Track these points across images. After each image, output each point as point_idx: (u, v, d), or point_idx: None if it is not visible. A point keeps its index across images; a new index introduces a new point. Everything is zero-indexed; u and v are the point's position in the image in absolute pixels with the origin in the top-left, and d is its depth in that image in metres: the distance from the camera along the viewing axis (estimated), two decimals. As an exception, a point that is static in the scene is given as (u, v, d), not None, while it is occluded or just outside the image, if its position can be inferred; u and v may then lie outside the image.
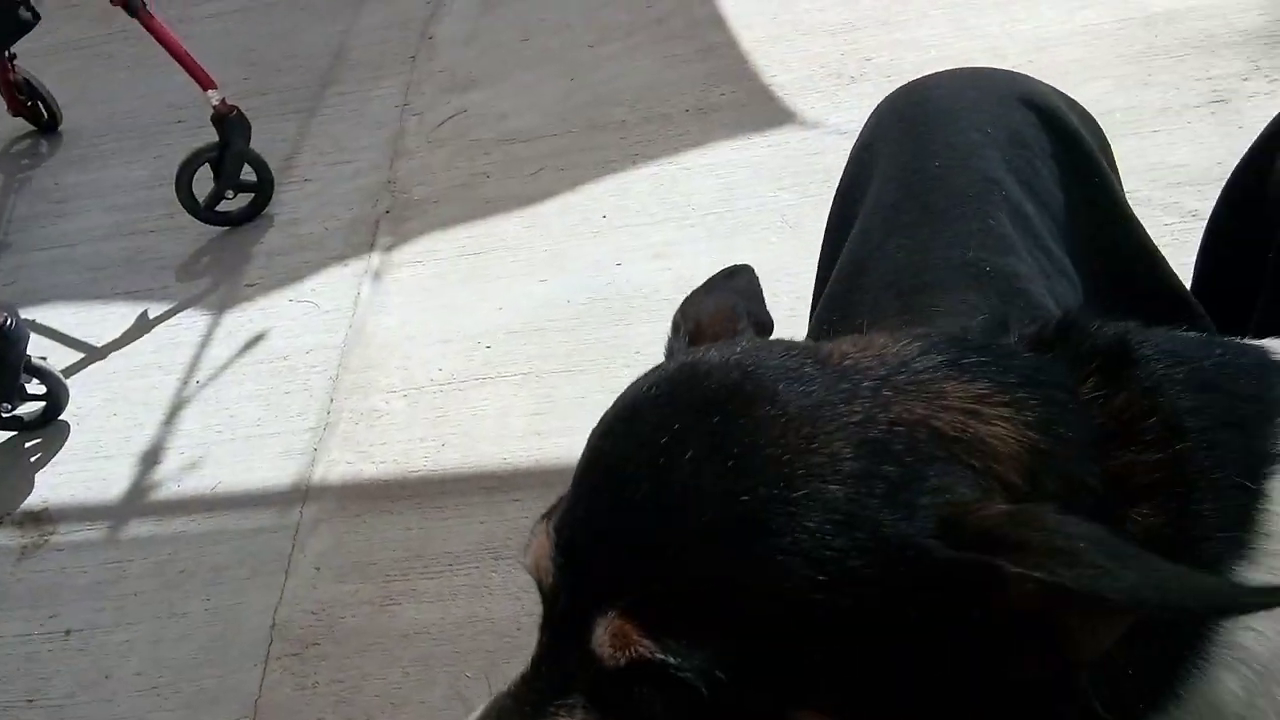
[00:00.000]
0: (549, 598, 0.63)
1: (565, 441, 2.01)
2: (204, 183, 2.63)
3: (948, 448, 0.58)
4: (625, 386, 0.70)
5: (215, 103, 2.54)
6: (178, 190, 2.61)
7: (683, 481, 0.57)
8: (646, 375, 0.67)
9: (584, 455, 0.66)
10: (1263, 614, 0.58)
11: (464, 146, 2.78)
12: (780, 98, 2.65)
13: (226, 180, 2.63)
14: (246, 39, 3.34)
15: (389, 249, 2.55)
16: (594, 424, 0.69)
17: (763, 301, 0.86)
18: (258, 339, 2.42)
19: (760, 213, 2.38)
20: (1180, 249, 1.96)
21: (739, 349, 0.65)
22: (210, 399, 2.32)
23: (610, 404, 0.69)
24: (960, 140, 1.01)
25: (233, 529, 2.05)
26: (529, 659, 0.64)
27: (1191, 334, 0.73)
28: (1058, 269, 0.97)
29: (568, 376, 2.14)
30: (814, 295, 1.20)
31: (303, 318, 2.44)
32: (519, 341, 2.25)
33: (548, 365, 2.18)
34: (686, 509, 0.57)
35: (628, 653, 0.56)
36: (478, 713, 0.64)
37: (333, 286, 2.50)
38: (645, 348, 2.14)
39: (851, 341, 0.66)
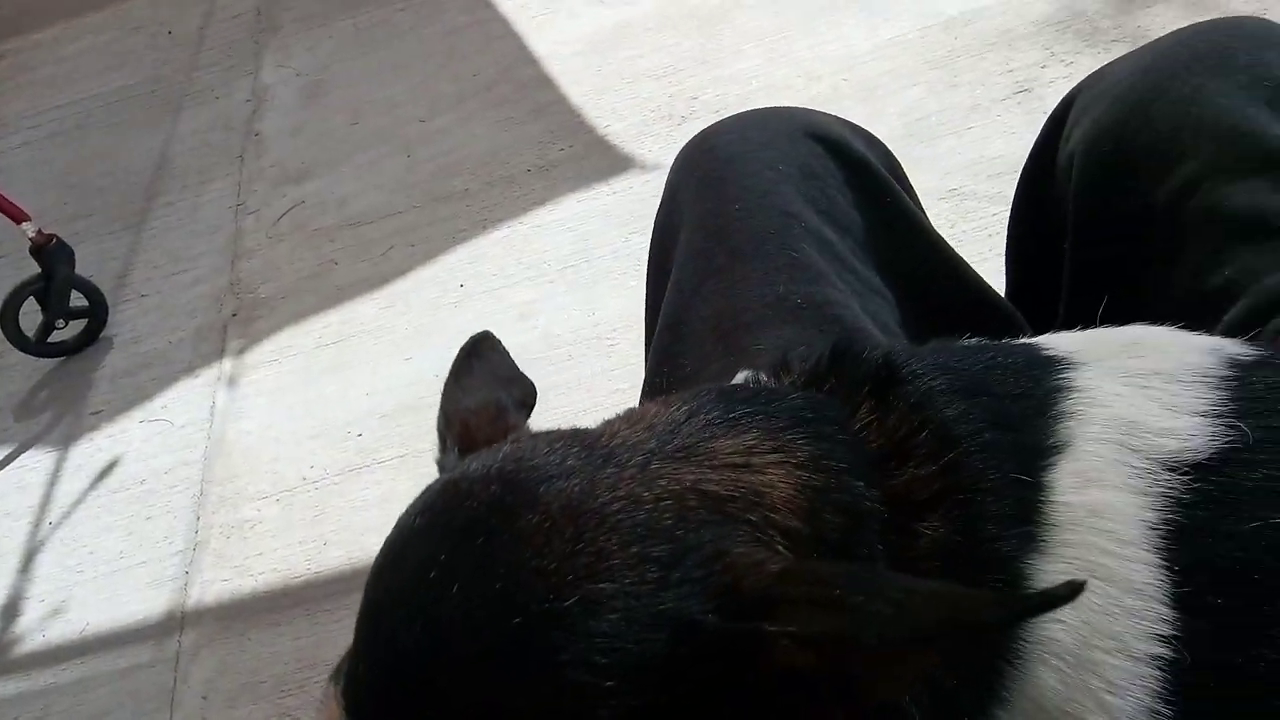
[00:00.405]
0: None
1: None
2: (33, 316, 2.49)
3: (721, 508, 0.57)
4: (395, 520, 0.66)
5: (31, 234, 2.43)
6: (3, 329, 2.46)
7: (450, 615, 0.54)
8: (412, 505, 0.64)
9: (361, 604, 0.62)
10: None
11: (307, 237, 2.72)
12: (617, 145, 2.69)
13: (55, 311, 2.50)
14: (61, 163, 3.20)
15: (240, 352, 2.46)
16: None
17: (516, 369, 0.86)
18: (110, 467, 2.29)
19: (616, 259, 2.40)
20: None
21: (500, 456, 0.62)
22: (66, 539, 2.17)
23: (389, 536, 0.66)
24: (754, 182, 1.03)
25: (108, 670, 1.91)
26: None
27: (963, 344, 0.74)
28: (869, 288, 1.00)
29: (445, 451, 2.08)
30: (645, 342, 1.21)
31: (156, 437, 2.32)
32: (391, 424, 2.18)
33: (424, 443, 2.12)
34: (455, 644, 0.54)
35: None
36: None
37: (185, 400, 2.39)
38: (515, 406, 2.11)
39: (625, 417, 0.66)
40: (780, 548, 0.56)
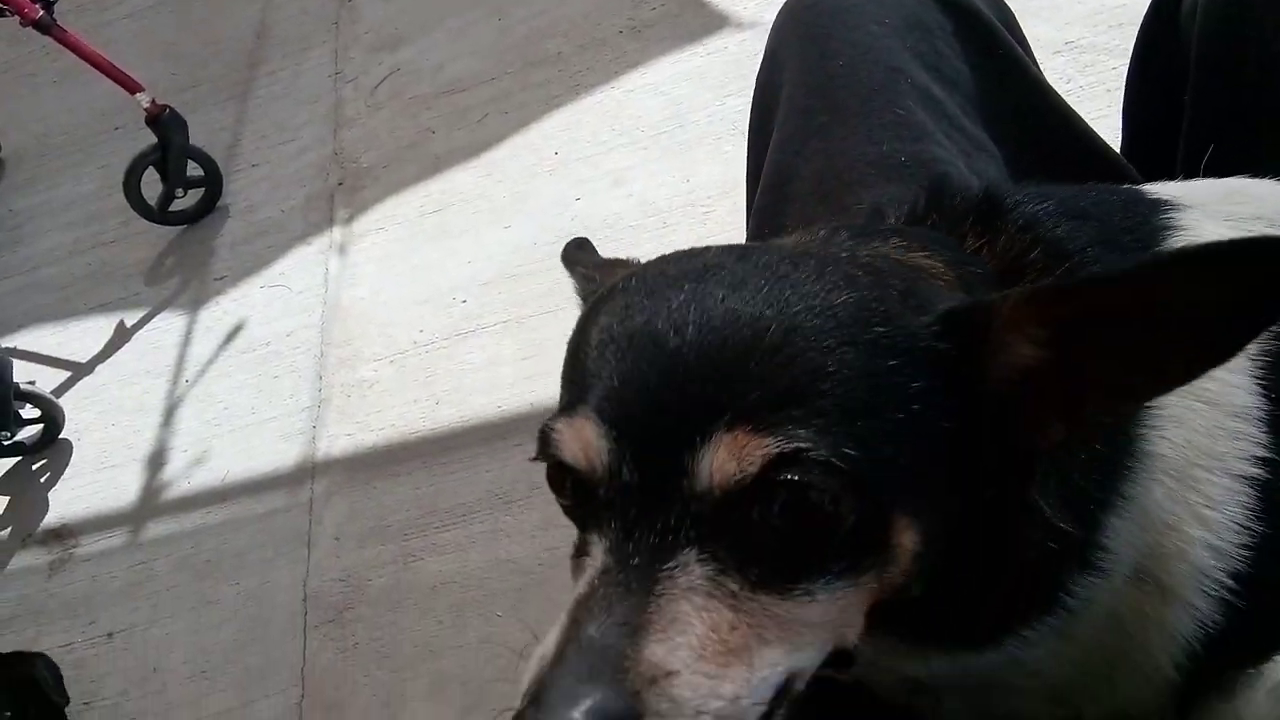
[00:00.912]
0: (609, 475, 0.59)
1: (557, 381, 2.05)
2: (153, 185, 2.62)
3: (913, 271, 0.64)
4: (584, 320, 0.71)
5: (145, 105, 2.52)
6: (128, 197, 2.60)
7: (733, 314, 0.58)
8: (614, 287, 0.66)
9: (587, 354, 0.63)
10: (1173, 424, 0.63)
11: (404, 105, 2.77)
12: (711, 3, 2.63)
13: (174, 180, 2.62)
14: (165, 34, 3.28)
15: (348, 221, 2.56)
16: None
17: None
18: (237, 329, 2.45)
19: (711, 124, 2.39)
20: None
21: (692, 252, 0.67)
22: (202, 395, 2.35)
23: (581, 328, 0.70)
24: (859, 36, 1.02)
25: (248, 514, 2.10)
26: (596, 564, 0.60)
27: (1067, 186, 0.77)
28: (975, 145, 0.99)
29: (549, 318, 2.17)
30: (746, 208, 1.22)
31: (277, 302, 2.46)
32: (494, 291, 2.27)
33: (526, 310, 2.21)
34: (749, 329, 0.57)
35: (754, 456, 0.54)
36: (555, 634, 0.59)
37: (300, 267, 2.51)
38: (615, 275, 2.17)
39: (760, 247, 0.70)
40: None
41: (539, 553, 1.84)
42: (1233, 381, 0.65)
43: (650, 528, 0.57)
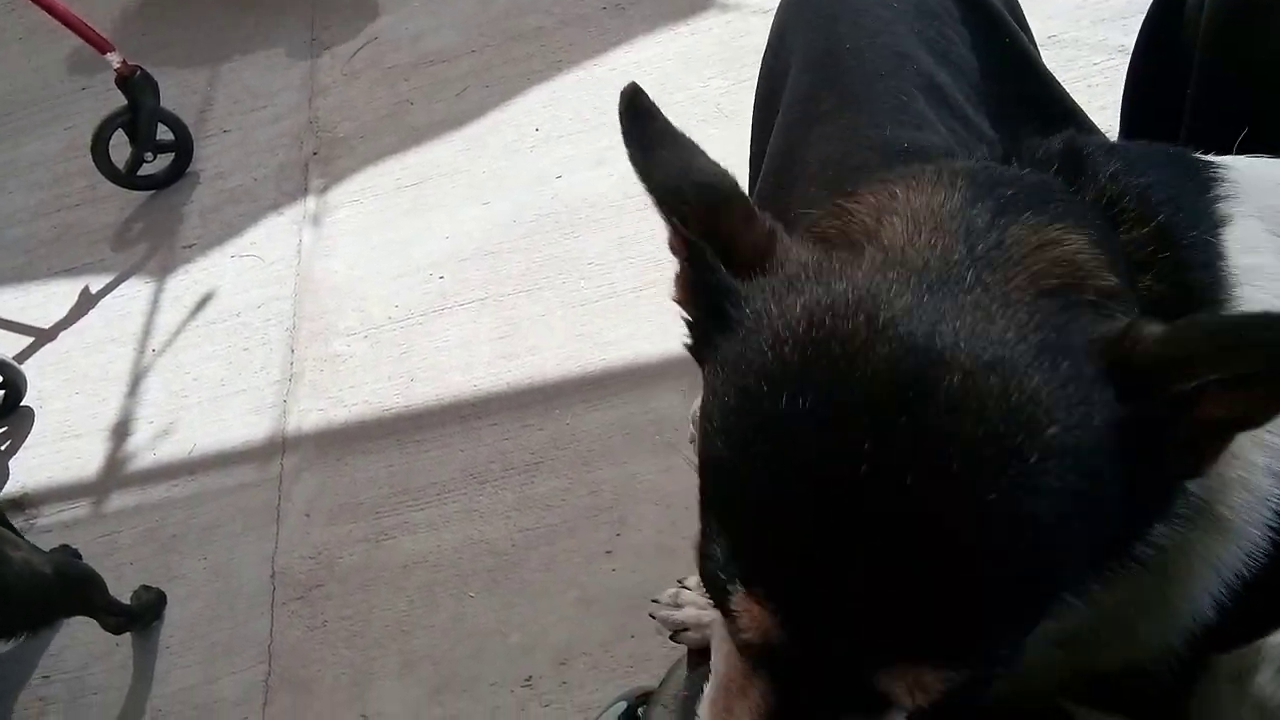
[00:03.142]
0: (783, 655, 0.56)
1: (534, 360, 2.04)
2: (122, 149, 2.56)
3: (1065, 298, 0.58)
4: (736, 374, 0.57)
5: (116, 65, 2.45)
6: (96, 160, 2.53)
7: (911, 507, 0.51)
8: (770, 366, 0.56)
9: (743, 478, 0.56)
10: None
11: (382, 75, 2.72)
12: (697, -17, 2.61)
13: (143, 143, 2.56)
14: (138, -10, 3.19)
15: (323, 191, 2.52)
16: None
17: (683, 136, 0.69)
18: (206, 299, 2.40)
19: (695, 105, 2.37)
20: (1111, 88, 2.02)
21: (855, 301, 0.56)
22: (170, 365, 2.31)
23: (730, 394, 0.57)
24: (867, 19, 1.01)
25: (216, 488, 2.07)
26: (755, 701, 0.58)
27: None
28: (976, 135, 0.98)
29: (527, 296, 2.15)
30: (749, 188, 1.21)
31: (248, 272, 2.42)
32: (471, 268, 2.25)
33: (504, 288, 2.19)
34: (930, 529, 0.51)
35: (928, 694, 0.52)
36: None
37: (272, 237, 2.47)
38: (599, 259, 2.15)
39: (889, 214, 0.63)
40: (1118, 313, 0.59)
41: (513, 533, 1.83)
42: None
43: (817, 693, 0.56)
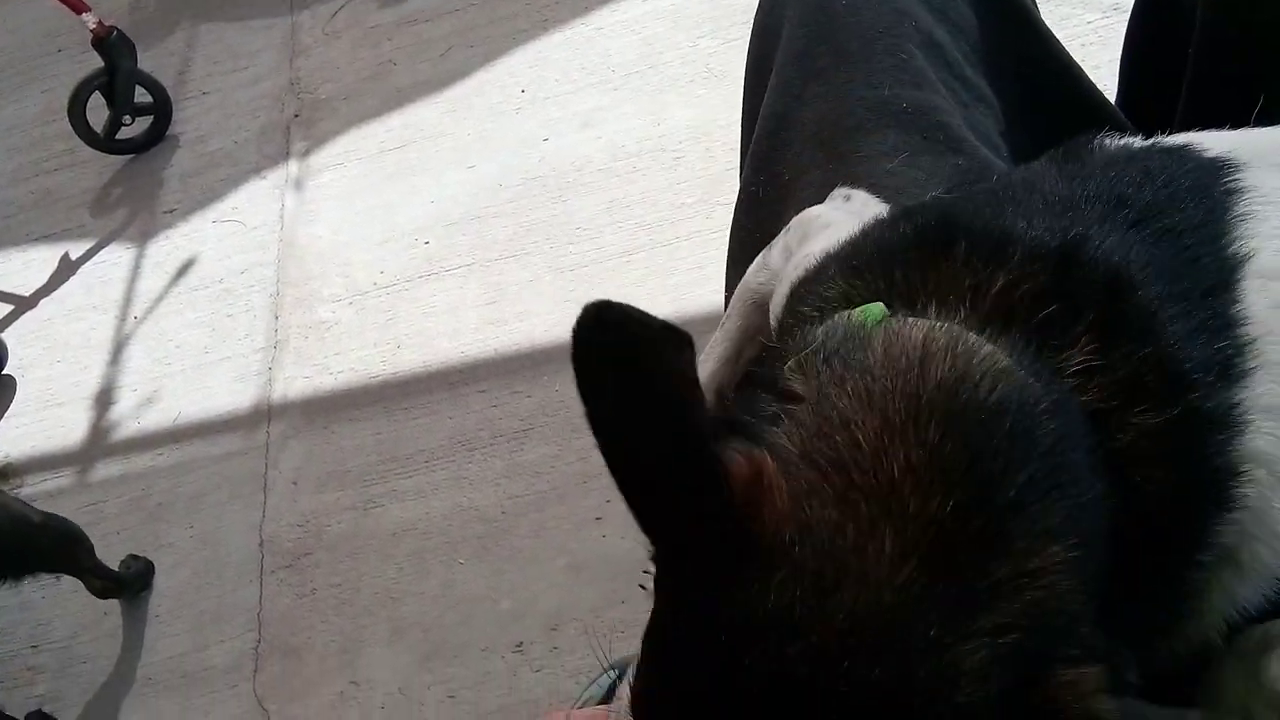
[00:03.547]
0: None
1: (522, 327, 2.02)
2: (99, 111, 2.50)
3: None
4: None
5: (92, 25, 2.39)
6: (73, 123, 2.48)
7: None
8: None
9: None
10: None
11: (364, 35, 2.67)
12: (686, -61, 2.55)
13: (121, 106, 2.51)
14: (112, -53, 3.11)
15: (305, 154, 2.47)
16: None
17: (666, 331, 0.48)
18: (188, 265, 2.36)
19: (684, 65, 2.33)
20: (1104, 47, 2.00)
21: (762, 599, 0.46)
22: (152, 333, 2.28)
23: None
24: None
25: (202, 456, 2.05)
26: None
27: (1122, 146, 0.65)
28: (974, 96, 0.96)
29: (514, 261, 2.12)
30: (741, 149, 1.18)
31: (230, 238, 2.38)
32: (458, 233, 2.22)
33: (491, 253, 2.16)
34: None
35: None
36: None
37: (254, 201, 2.43)
38: (587, 223, 2.12)
39: (868, 416, 0.50)
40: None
41: (502, 500, 1.82)
42: None
43: None
